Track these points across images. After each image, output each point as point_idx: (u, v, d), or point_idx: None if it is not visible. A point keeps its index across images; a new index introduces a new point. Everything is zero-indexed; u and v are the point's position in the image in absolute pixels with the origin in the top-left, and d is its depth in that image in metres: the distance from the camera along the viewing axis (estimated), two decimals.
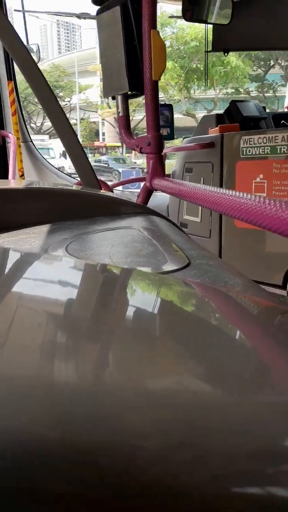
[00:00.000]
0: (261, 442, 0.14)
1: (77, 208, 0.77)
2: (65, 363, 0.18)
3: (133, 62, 1.03)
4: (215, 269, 0.45)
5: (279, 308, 0.34)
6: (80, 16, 16.58)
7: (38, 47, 3.28)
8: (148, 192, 1.16)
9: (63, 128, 1.04)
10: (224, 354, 0.20)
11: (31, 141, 3.17)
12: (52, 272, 0.38)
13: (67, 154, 1.10)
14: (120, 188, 3.38)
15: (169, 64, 16.43)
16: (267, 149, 1.60)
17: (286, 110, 2.64)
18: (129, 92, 1.09)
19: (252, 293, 0.39)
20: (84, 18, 16.94)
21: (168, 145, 2.88)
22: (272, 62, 19.74)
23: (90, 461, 0.13)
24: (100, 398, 0.15)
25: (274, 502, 0.12)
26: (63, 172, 3.38)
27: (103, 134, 27.50)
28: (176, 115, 2.20)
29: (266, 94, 20.68)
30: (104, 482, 0.12)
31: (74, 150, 1.07)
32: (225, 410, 0.15)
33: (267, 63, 19.91)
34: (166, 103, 3.04)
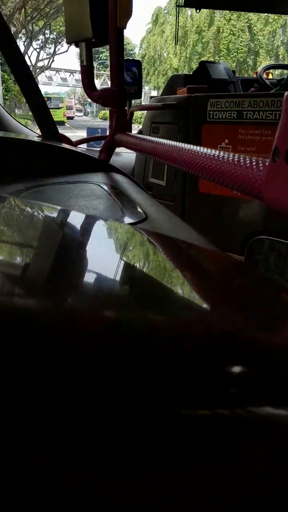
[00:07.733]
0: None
1: (36, 159, 0.73)
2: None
3: (98, 8, 0.97)
4: (170, 224, 0.46)
5: (228, 258, 0.35)
6: None
7: None
8: (111, 147, 1.11)
9: (22, 76, 0.97)
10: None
11: None
12: (8, 216, 0.36)
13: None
14: (84, 146, 3.26)
15: None
16: (234, 114, 1.59)
17: (254, 76, 2.62)
18: (93, 40, 1.02)
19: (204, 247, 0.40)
20: None
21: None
22: None
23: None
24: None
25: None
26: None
27: None
28: None
29: None
30: None
31: (35, 100, 1.01)
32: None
33: None
34: (135, 58, 2.92)
